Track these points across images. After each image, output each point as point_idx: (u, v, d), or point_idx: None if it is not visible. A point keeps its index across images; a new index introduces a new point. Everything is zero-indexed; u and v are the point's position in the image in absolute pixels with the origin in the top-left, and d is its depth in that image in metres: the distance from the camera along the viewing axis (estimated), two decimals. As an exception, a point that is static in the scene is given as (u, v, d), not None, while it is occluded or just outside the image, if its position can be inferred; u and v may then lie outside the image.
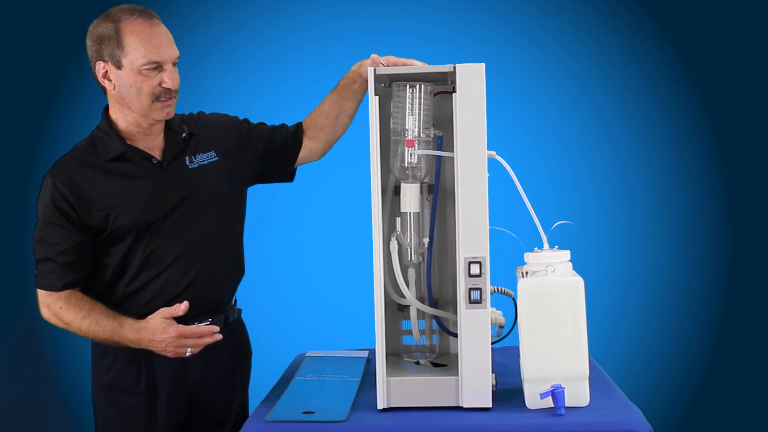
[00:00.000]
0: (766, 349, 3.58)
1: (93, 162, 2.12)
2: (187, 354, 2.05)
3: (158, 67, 2.06)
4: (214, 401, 2.24)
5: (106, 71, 2.08)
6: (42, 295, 2.14)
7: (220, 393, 2.24)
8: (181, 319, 2.12)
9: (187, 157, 2.19)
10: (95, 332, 2.10)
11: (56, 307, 2.12)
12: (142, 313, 2.12)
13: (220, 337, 2.06)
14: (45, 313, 2.15)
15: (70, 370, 3.57)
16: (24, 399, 3.42)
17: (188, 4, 3.68)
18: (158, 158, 2.16)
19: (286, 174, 2.42)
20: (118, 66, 2.06)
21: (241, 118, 2.38)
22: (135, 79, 2.06)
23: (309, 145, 2.38)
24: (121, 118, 2.14)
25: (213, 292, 2.23)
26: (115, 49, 2.05)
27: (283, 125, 2.40)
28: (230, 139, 2.29)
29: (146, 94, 2.07)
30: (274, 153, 2.36)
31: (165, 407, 2.17)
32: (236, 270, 2.33)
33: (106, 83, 2.10)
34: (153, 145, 2.18)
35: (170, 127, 2.20)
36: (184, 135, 2.20)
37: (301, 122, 2.40)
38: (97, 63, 2.09)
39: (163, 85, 2.07)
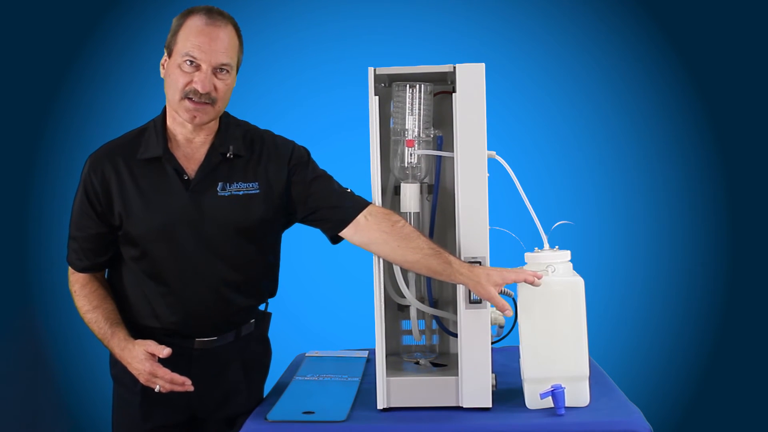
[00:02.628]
0: (766, 349, 3.58)
1: (129, 158, 2.09)
2: (156, 389, 2.05)
3: (197, 66, 2.00)
4: (217, 412, 2.22)
5: (165, 59, 2.07)
6: (69, 269, 2.20)
7: (223, 405, 2.22)
8: (185, 333, 2.13)
9: (221, 183, 2.08)
10: (93, 329, 2.14)
11: (74, 288, 2.18)
12: (146, 324, 2.14)
13: (191, 388, 2.04)
14: (69, 286, 2.21)
15: (70, 370, 3.57)
16: (24, 399, 3.42)
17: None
18: (190, 175, 2.07)
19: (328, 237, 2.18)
20: (170, 54, 2.04)
21: (293, 148, 2.16)
22: (174, 71, 2.02)
23: (351, 237, 2.09)
24: (170, 116, 2.10)
25: (222, 319, 2.18)
26: (172, 38, 2.04)
27: (348, 198, 2.10)
28: (281, 178, 2.12)
29: (178, 88, 2.01)
30: (314, 221, 2.14)
31: (160, 408, 2.17)
32: (256, 299, 2.24)
33: (161, 70, 2.08)
34: (193, 156, 2.09)
35: (216, 143, 2.09)
36: (228, 155, 2.09)
37: (360, 215, 2.06)
38: (165, 50, 2.07)
39: (193, 85, 2.00)
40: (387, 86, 2.16)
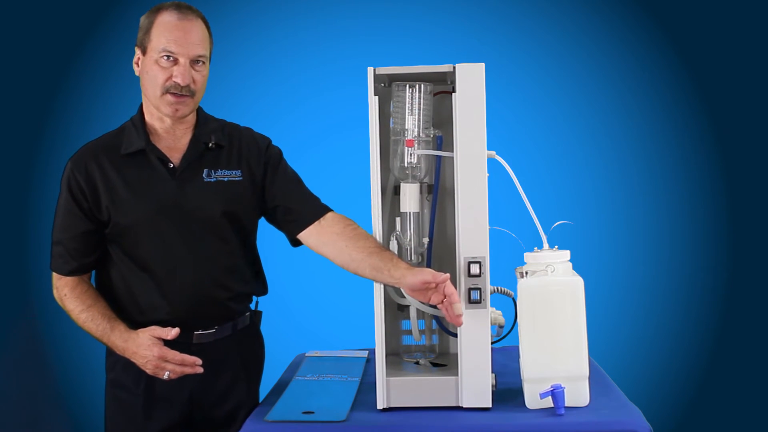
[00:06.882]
0: (766, 349, 3.58)
1: (112, 154, 2.13)
2: (165, 377, 2.05)
3: (174, 60, 2.05)
4: (218, 406, 2.22)
5: (138, 57, 2.12)
6: (54, 276, 2.19)
7: (223, 399, 2.22)
8: (185, 326, 2.12)
9: (206, 170, 2.14)
10: (89, 328, 2.13)
11: (62, 292, 2.17)
12: (142, 320, 2.12)
13: (200, 370, 2.05)
14: (54, 294, 2.20)
15: (71, 370, 3.57)
16: (24, 399, 3.42)
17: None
18: (175, 164, 2.12)
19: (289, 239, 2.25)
20: (144, 52, 2.10)
21: (266, 139, 2.25)
22: (152, 67, 2.07)
23: (307, 240, 2.18)
24: (147, 111, 2.15)
25: (217, 306, 2.18)
26: (144, 36, 2.09)
27: (314, 202, 2.20)
28: (260, 168, 2.19)
29: (158, 84, 2.06)
30: (278, 219, 2.22)
31: (163, 408, 2.17)
32: (248, 286, 2.25)
33: (135, 68, 2.14)
34: (175, 146, 2.14)
35: (197, 133, 2.16)
36: (210, 144, 2.15)
37: (315, 222, 2.15)
38: (136, 49, 2.13)
39: (174, 79, 2.06)
40: (387, 86, 2.16)
